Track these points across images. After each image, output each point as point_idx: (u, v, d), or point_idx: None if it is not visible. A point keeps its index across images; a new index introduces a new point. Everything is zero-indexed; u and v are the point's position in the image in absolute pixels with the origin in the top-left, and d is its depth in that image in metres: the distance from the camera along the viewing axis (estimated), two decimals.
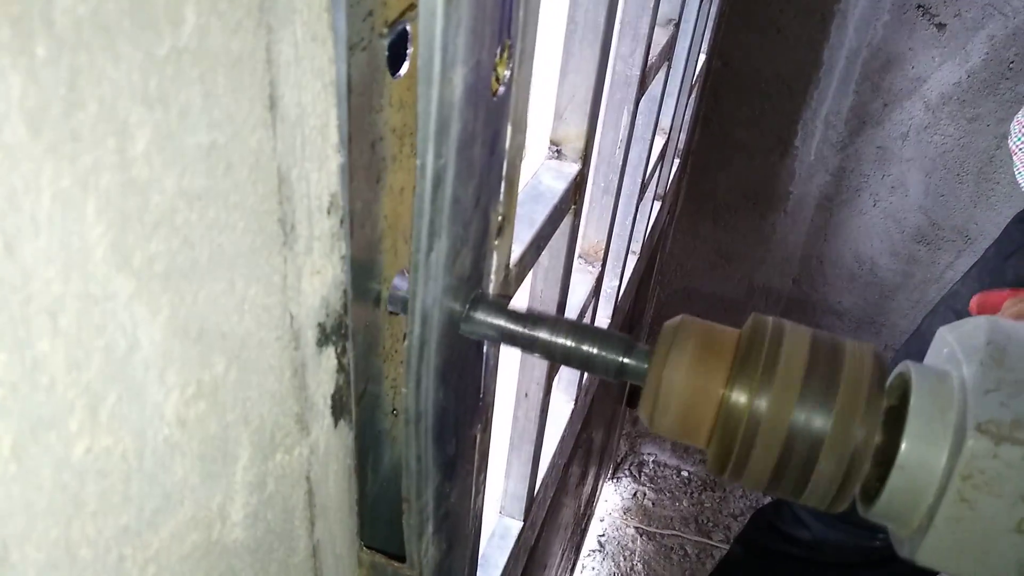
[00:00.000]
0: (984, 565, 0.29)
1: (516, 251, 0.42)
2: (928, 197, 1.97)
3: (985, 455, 0.28)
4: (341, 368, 0.32)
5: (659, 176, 1.26)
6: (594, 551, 2.29)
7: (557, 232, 0.54)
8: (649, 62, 0.71)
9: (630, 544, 2.34)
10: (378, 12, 0.26)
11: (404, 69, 0.30)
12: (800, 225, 2.14)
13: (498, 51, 0.29)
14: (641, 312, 1.89)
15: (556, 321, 0.33)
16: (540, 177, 0.51)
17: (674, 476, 2.57)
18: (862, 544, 1.20)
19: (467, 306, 0.33)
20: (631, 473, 2.55)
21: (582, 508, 1.68)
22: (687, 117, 1.51)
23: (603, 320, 1.03)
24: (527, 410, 0.65)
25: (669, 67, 0.94)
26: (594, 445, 1.45)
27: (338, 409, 0.33)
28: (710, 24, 1.47)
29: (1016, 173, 1.00)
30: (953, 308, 1.12)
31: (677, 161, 1.61)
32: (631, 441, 2.63)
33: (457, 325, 0.33)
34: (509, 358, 0.78)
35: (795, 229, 2.15)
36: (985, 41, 1.75)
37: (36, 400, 0.17)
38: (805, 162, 2.03)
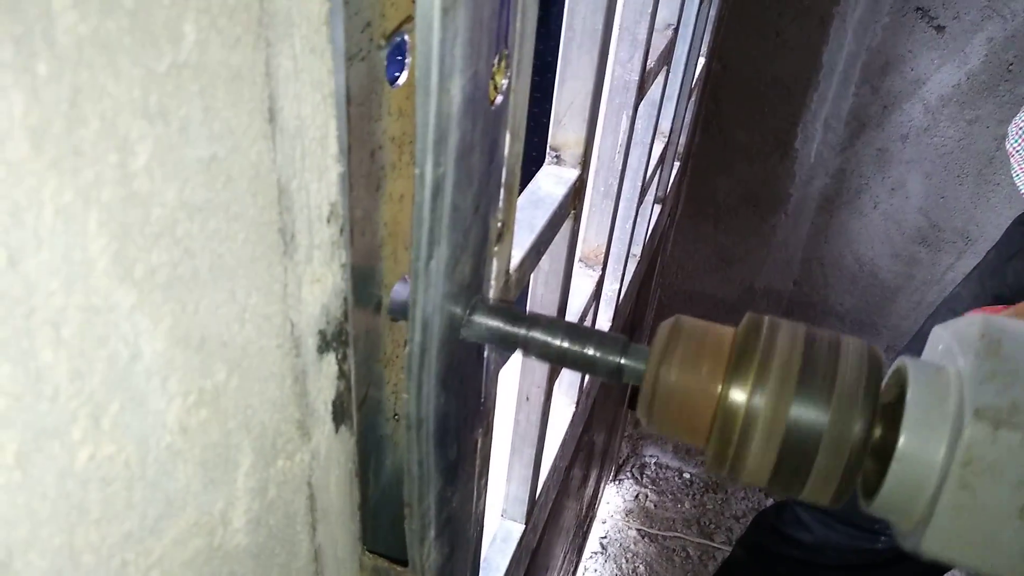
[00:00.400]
0: (989, 553, 0.29)
1: (516, 256, 0.42)
2: (928, 199, 1.97)
3: (984, 441, 0.28)
4: (342, 374, 0.32)
5: (659, 179, 1.26)
6: (596, 553, 2.30)
7: (557, 237, 0.54)
8: (648, 67, 0.72)
9: (632, 546, 2.34)
10: (376, 24, 0.27)
11: (403, 79, 0.30)
12: (800, 227, 2.14)
13: (495, 61, 0.29)
14: (642, 315, 1.89)
15: (552, 323, 0.34)
16: (539, 183, 0.51)
17: (676, 478, 2.57)
18: (864, 547, 1.20)
19: (467, 311, 0.34)
20: (633, 475, 2.55)
21: (584, 510, 1.68)
22: (687, 120, 1.51)
23: (604, 323, 1.04)
24: (528, 413, 0.65)
25: (668, 71, 0.94)
26: (596, 447, 1.46)
27: (339, 415, 0.33)
28: (709, 27, 1.47)
29: (1014, 176, 1.01)
30: (954, 310, 1.13)
31: (677, 164, 1.62)
32: (633, 443, 2.63)
33: (457, 331, 0.34)
34: (510, 362, 0.78)
35: (796, 231, 2.15)
36: (984, 43, 1.76)
37: (40, 410, 0.17)
38: (805, 164, 2.04)
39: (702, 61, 1.50)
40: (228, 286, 0.23)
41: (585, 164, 0.53)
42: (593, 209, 0.76)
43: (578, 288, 0.77)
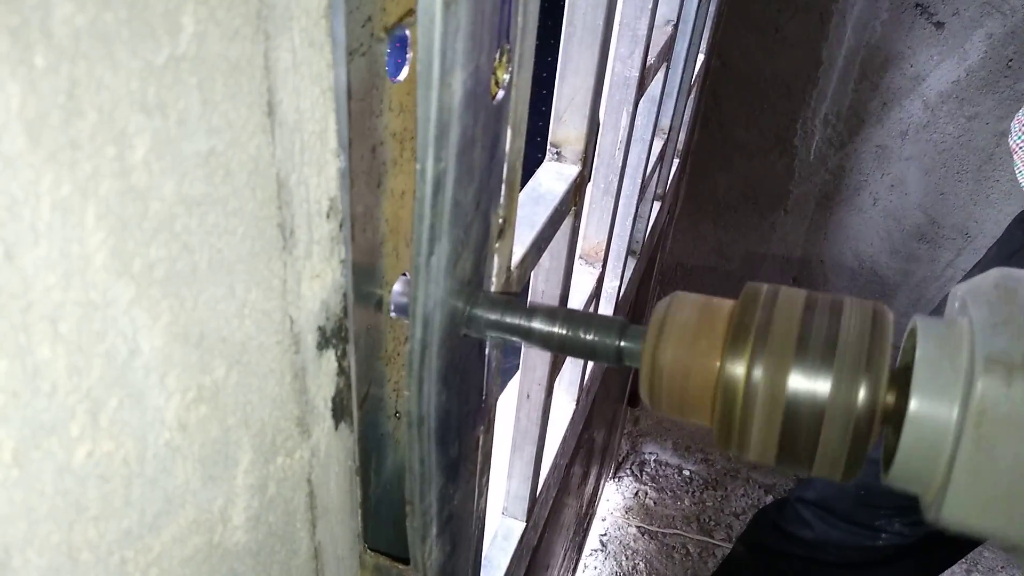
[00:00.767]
0: (1015, 515, 0.27)
1: (517, 253, 0.42)
2: (928, 195, 1.97)
3: (998, 390, 0.26)
4: (341, 371, 0.32)
5: (659, 176, 1.26)
6: (596, 550, 2.30)
7: (558, 234, 0.54)
8: (648, 63, 0.71)
9: (632, 543, 2.34)
10: (377, 18, 0.26)
11: (403, 73, 0.30)
12: (800, 224, 2.14)
13: (497, 55, 0.29)
14: (642, 312, 1.89)
15: (551, 310, 0.33)
16: (540, 179, 0.51)
17: (676, 475, 2.57)
18: (865, 544, 1.20)
19: (468, 307, 0.33)
20: (633, 472, 2.55)
21: (584, 508, 1.68)
22: (686, 117, 1.51)
23: None
24: (529, 411, 0.65)
25: (668, 68, 0.94)
26: (596, 445, 1.45)
27: (339, 411, 0.33)
28: (709, 24, 1.47)
29: (1016, 172, 1.00)
30: None
31: (677, 161, 1.61)
32: (632, 440, 2.63)
33: (459, 327, 0.33)
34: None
35: (795, 228, 2.15)
36: (984, 39, 1.75)
37: (37, 406, 0.17)
38: (805, 161, 2.04)
39: (701, 57, 1.50)
40: (227, 281, 0.23)
41: (586, 160, 0.52)
42: (593, 206, 0.76)
43: (578, 285, 0.77)
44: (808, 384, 0.29)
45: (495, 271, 0.36)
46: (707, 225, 2.21)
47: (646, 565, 2.27)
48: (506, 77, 0.30)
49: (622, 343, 0.33)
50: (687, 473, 2.57)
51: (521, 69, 0.32)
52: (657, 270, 2.06)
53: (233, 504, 0.26)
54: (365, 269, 0.30)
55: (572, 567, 1.82)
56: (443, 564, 0.40)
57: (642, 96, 0.72)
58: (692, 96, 1.49)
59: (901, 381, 0.29)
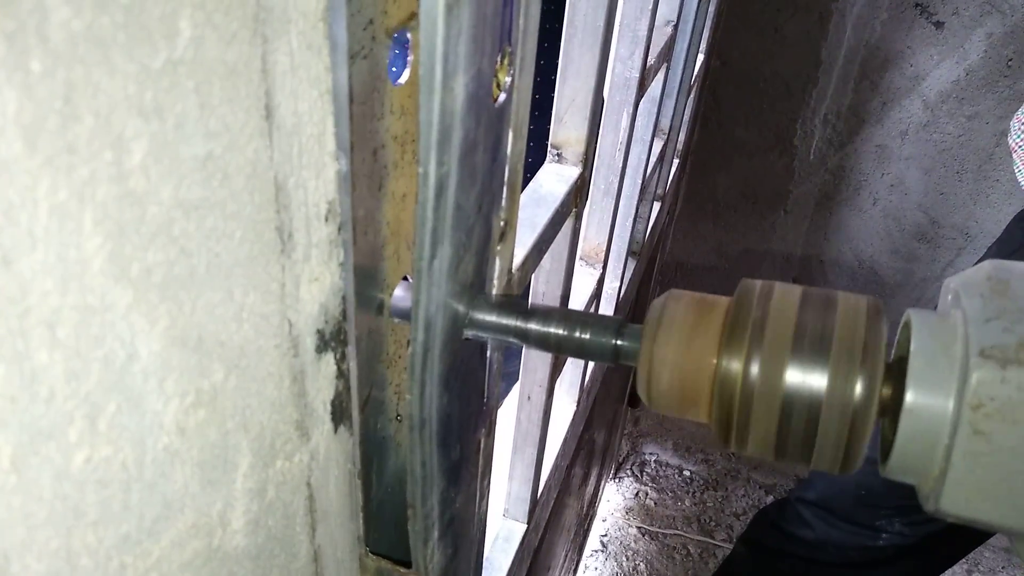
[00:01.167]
0: (1012, 503, 0.27)
1: (519, 255, 0.42)
2: (928, 195, 1.97)
3: (993, 381, 0.26)
4: (341, 374, 0.32)
5: (659, 177, 1.26)
6: (596, 551, 2.29)
7: (559, 235, 0.54)
8: (648, 64, 0.71)
9: (632, 544, 2.34)
10: (379, 21, 0.26)
11: (405, 76, 0.30)
12: (800, 224, 2.14)
13: (498, 58, 0.29)
14: (642, 313, 1.88)
15: (547, 311, 0.33)
16: (541, 181, 0.51)
17: (676, 475, 2.57)
18: (866, 544, 1.20)
19: (469, 310, 0.33)
20: (633, 473, 2.55)
21: (585, 508, 1.68)
22: (686, 117, 1.51)
23: None
24: (530, 412, 0.65)
25: (668, 68, 0.94)
26: (596, 446, 1.45)
27: (338, 414, 0.33)
28: (708, 24, 1.47)
29: (1016, 171, 1.00)
30: None
31: (676, 161, 1.61)
32: (633, 441, 2.63)
33: (460, 331, 0.33)
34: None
35: (795, 228, 2.15)
36: (983, 39, 1.75)
37: (35, 411, 0.17)
38: (804, 161, 2.03)
39: (701, 57, 1.50)
40: (225, 285, 0.23)
41: (587, 162, 0.52)
42: (594, 207, 0.76)
43: (579, 287, 0.76)
44: (805, 378, 0.29)
45: (496, 273, 0.36)
46: (707, 225, 2.21)
47: (647, 566, 2.27)
48: (508, 80, 0.30)
49: (619, 342, 0.33)
50: (688, 473, 2.57)
51: (523, 71, 0.32)
52: (657, 270, 2.05)
53: (232, 508, 0.26)
54: (367, 272, 0.30)
55: (573, 568, 1.82)
56: (445, 567, 0.40)
57: (642, 97, 0.72)
58: (692, 96, 1.49)
59: (896, 373, 0.29)
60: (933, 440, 0.28)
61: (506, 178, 0.33)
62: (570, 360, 0.82)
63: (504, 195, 0.33)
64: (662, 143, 1.10)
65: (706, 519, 2.45)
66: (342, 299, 0.30)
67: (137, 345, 0.20)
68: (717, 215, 2.19)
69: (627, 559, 2.31)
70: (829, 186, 2.06)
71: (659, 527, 2.40)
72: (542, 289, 0.58)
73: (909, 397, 0.28)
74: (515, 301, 0.35)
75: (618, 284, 1.02)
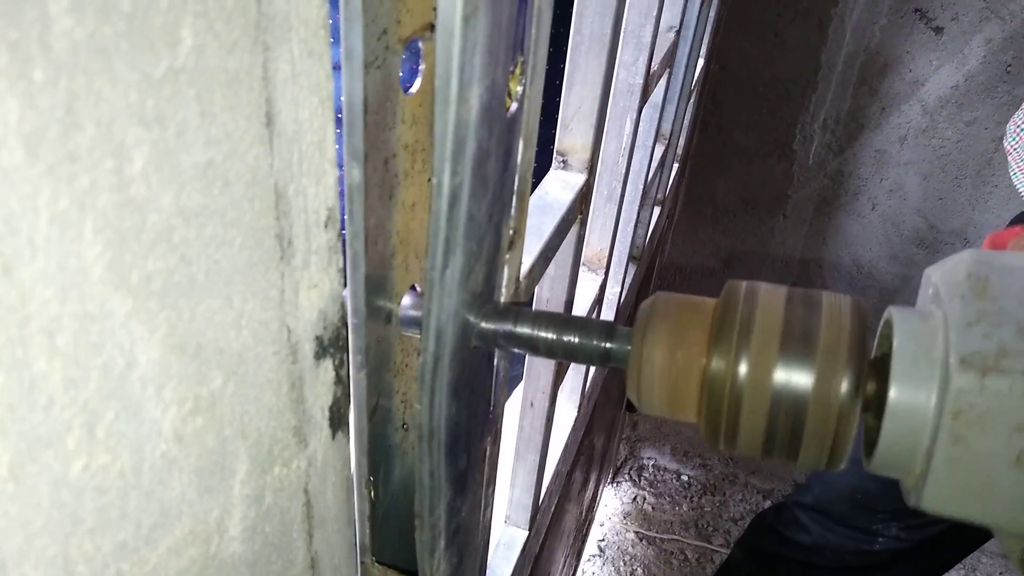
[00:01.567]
0: (989, 504, 0.28)
1: (526, 263, 0.42)
2: (926, 200, 1.97)
3: (972, 390, 0.27)
4: (339, 380, 0.32)
5: (659, 181, 1.26)
6: (594, 556, 2.29)
7: (564, 242, 0.54)
8: (652, 70, 0.71)
9: (630, 549, 2.34)
10: (392, 31, 0.26)
11: (416, 85, 0.30)
12: (799, 229, 2.14)
13: (511, 67, 0.29)
14: None
15: (536, 315, 0.33)
16: (547, 188, 0.51)
17: (674, 480, 2.57)
18: (862, 548, 1.20)
19: (478, 319, 0.33)
20: (631, 477, 2.55)
21: (584, 514, 1.68)
22: (686, 122, 1.51)
23: None
24: (532, 419, 0.65)
25: (670, 73, 0.94)
26: (595, 451, 1.45)
27: (336, 420, 0.33)
28: (708, 28, 1.47)
29: (1012, 175, 1.01)
30: None
31: (676, 165, 1.62)
32: (631, 445, 2.63)
33: (469, 339, 0.33)
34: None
35: (794, 233, 2.15)
36: (982, 44, 1.76)
37: (34, 419, 0.17)
38: (803, 165, 2.04)
39: (701, 62, 1.50)
40: (224, 292, 0.23)
41: (592, 169, 0.52)
42: (597, 213, 0.76)
43: (582, 292, 0.77)
44: (791, 376, 0.30)
45: (505, 282, 0.36)
46: (706, 229, 2.21)
47: (644, 571, 2.27)
48: (520, 89, 0.30)
49: (608, 345, 0.33)
50: (685, 478, 2.57)
51: (534, 80, 0.32)
52: (656, 274, 2.06)
53: (230, 515, 0.26)
54: (376, 282, 0.30)
55: (571, 573, 1.82)
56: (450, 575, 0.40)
57: (646, 103, 0.72)
58: (692, 101, 1.49)
59: (880, 370, 0.30)
60: (915, 441, 0.29)
61: (516, 187, 0.33)
62: (572, 365, 0.82)
63: (514, 204, 0.33)
64: (663, 148, 1.10)
65: (704, 524, 2.45)
66: (341, 305, 0.30)
67: (136, 353, 0.20)
68: (716, 219, 2.19)
69: (624, 564, 2.31)
70: (828, 191, 2.06)
71: (656, 532, 2.40)
72: (547, 296, 0.58)
73: (892, 398, 0.29)
74: (506, 307, 0.35)
75: (619, 289, 1.02)
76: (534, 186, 0.52)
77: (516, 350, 0.35)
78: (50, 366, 0.17)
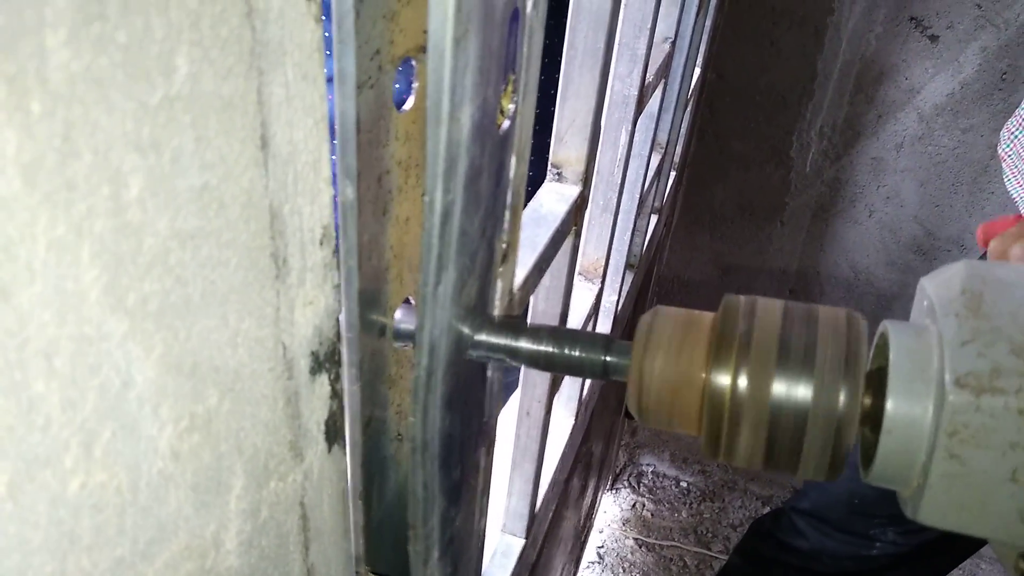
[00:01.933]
0: (985, 518, 0.29)
1: (520, 275, 0.42)
2: (923, 207, 1.98)
3: (967, 409, 0.28)
4: (335, 394, 0.32)
5: (656, 190, 1.27)
6: (593, 563, 2.29)
7: (559, 254, 0.55)
8: (647, 81, 0.72)
9: (629, 555, 2.34)
10: (385, 51, 0.27)
11: (409, 103, 0.30)
12: (796, 236, 2.14)
13: (503, 86, 0.29)
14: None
15: (535, 329, 0.34)
16: (541, 200, 0.51)
17: (673, 487, 2.57)
18: (860, 553, 1.20)
19: (472, 332, 0.34)
20: (630, 484, 2.54)
21: (582, 521, 1.68)
22: (683, 130, 1.52)
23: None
24: (529, 428, 0.66)
25: (666, 84, 0.95)
26: (594, 458, 1.45)
27: (332, 434, 0.33)
28: (705, 38, 1.48)
29: (1005, 180, 1.01)
30: None
31: (673, 174, 1.62)
32: (630, 452, 2.63)
33: (463, 352, 0.34)
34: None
35: (791, 240, 2.15)
36: (978, 52, 1.77)
37: (32, 440, 0.18)
38: (800, 173, 2.04)
39: (698, 71, 1.51)
40: (220, 312, 0.23)
41: (587, 181, 0.53)
42: (592, 223, 0.76)
43: (578, 302, 0.77)
44: (791, 390, 0.30)
45: (499, 295, 0.37)
46: (704, 237, 2.22)
47: None
48: (511, 107, 0.30)
49: (608, 358, 0.34)
50: (684, 485, 2.57)
51: (526, 97, 0.32)
52: (654, 282, 2.06)
53: (226, 529, 0.26)
54: (370, 296, 0.31)
55: None
56: None
57: (641, 113, 0.73)
58: (688, 109, 1.50)
59: (876, 384, 0.31)
60: (911, 456, 0.29)
61: (509, 201, 0.34)
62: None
63: (507, 218, 0.34)
64: (659, 157, 1.11)
65: (703, 530, 2.44)
66: (336, 321, 0.31)
67: (132, 373, 0.20)
68: (714, 227, 2.20)
69: (624, 571, 2.30)
70: (825, 198, 2.06)
71: (656, 538, 2.40)
72: (542, 307, 0.58)
73: (888, 415, 0.29)
74: (506, 320, 0.35)
75: (616, 298, 1.03)
76: (530, 196, 0.52)
77: (515, 364, 0.35)
78: (48, 387, 0.18)
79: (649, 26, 0.64)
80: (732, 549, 1.48)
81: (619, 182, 0.71)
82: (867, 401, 0.30)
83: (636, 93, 0.66)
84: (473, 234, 0.28)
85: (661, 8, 0.83)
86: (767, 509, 2.46)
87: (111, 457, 0.20)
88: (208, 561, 0.26)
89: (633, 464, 2.60)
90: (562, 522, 1.10)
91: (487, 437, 0.40)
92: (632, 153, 0.87)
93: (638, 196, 0.93)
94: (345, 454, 0.35)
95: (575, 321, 0.73)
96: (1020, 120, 1.05)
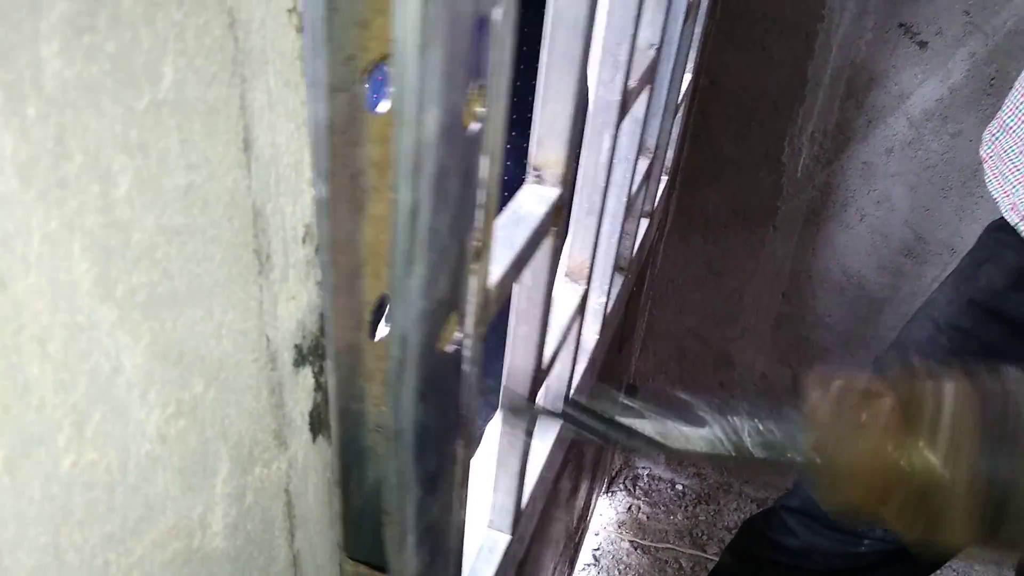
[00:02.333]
0: None
1: (495, 274, 0.43)
2: (914, 211, 2.00)
3: None
4: (319, 386, 0.34)
5: (646, 194, 1.28)
6: (589, 565, 2.30)
7: (539, 254, 0.56)
8: (629, 87, 0.74)
9: (625, 558, 2.35)
10: (358, 57, 0.28)
11: (385, 106, 0.32)
12: (788, 240, 2.16)
13: (472, 91, 0.31)
14: (632, 327, 1.91)
15: (712, 418, 0.33)
16: (521, 201, 0.53)
17: (668, 489, 2.58)
18: (849, 550, 1.21)
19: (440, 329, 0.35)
20: (626, 487, 2.56)
21: (575, 522, 1.69)
22: (674, 136, 1.53)
23: (591, 336, 1.05)
24: (513, 425, 0.67)
25: (652, 89, 0.96)
26: (585, 459, 1.47)
27: (316, 425, 0.35)
28: (695, 44, 1.49)
29: (987, 181, 1.03)
30: (930, 316, 1.15)
31: (665, 178, 1.64)
32: (626, 455, 2.64)
33: (434, 346, 0.35)
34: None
35: (784, 244, 2.17)
36: (966, 58, 1.78)
37: (27, 419, 0.19)
38: (792, 178, 2.06)
39: (688, 77, 1.52)
40: (205, 304, 0.25)
41: (566, 183, 0.54)
42: (578, 225, 0.78)
43: (563, 302, 0.78)
44: (996, 464, 0.30)
45: (473, 291, 0.38)
46: (697, 240, 2.24)
47: None
48: (481, 111, 0.32)
49: (777, 435, 0.33)
50: (680, 487, 2.58)
51: (496, 101, 0.33)
52: (648, 285, 2.08)
53: (212, 512, 0.28)
54: (345, 291, 0.32)
55: None
56: (422, 572, 0.42)
57: (624, 118, 0.74)
58: (679, 115, 1.52)
59: None
60: None
61: (480, 201, 0.35)
62: (555, 372, 0.84)
63: (479, 217, 0.35)
64: (648, 162, 1.12)
65: (698, 533, 2.46)
66: (320, 316, 0.32)
67: (122, 359, 0.22)
68: (707, 231, 2.21)
69: (619, 573, 2.32)
70: (817, 202, 2.08)
71: (651, 541, 2.41)
72: (524, 305, 0.59)
73: None
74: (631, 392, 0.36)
75: (605, 299, 1.04)
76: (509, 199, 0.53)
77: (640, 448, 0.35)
78: (42, 371, 0.19)
79: (631, 33, 0.66)
80: (724, 548, 1.50)
81: (603, 185, 0.73)
82: None
83: (619, 98, 0.68)
84: (443, 232, 0.29)
85: (646, 15, 0.84)
86: (759, 508, 2.47)
87: (101, 438, 0.22)
88: (195, 541, 0.27)
89: (629, 467, 2.61)
90: (552, 522, 1.12)
91: (464, 430, 0.42)
92: (618, 157, 0.89)
93: (625, 200, 0.94)
94: (330, 445, 0.36)
95: (560, 322, 0.74)
96: (1001, 122, 1.06)
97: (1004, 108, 1.08)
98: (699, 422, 0.34)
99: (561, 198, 0.53)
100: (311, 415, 0.34)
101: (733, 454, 0.33)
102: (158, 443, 0.24)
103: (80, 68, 0.18)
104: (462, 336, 0.37)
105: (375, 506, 0.39)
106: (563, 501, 1.21)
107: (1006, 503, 0.30)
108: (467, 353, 0.39)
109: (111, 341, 0.21)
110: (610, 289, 1.07)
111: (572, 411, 0.36)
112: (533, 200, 0.53)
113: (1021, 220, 0.99)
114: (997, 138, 1.04)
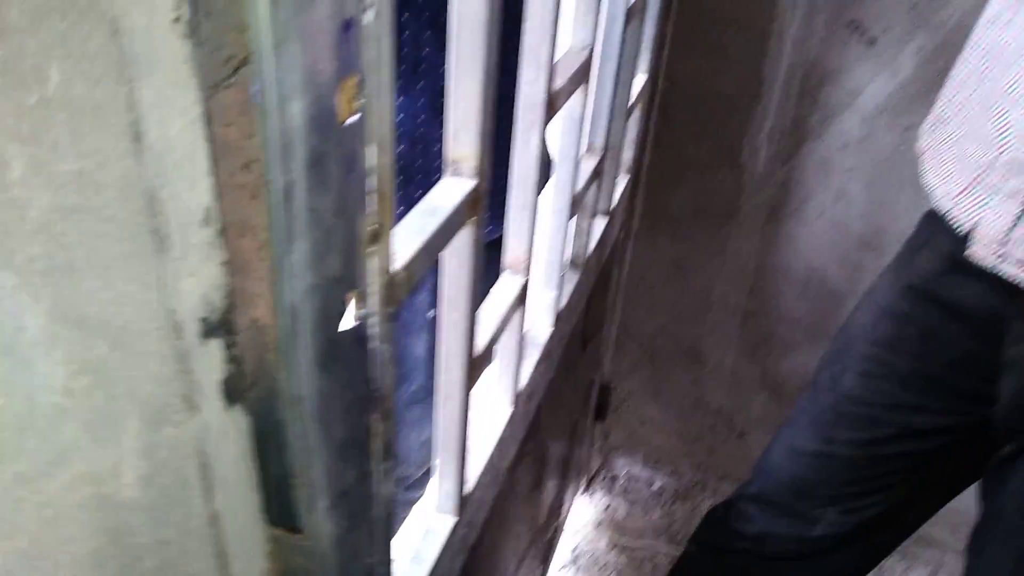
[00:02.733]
0: None
1: (402, 257, 0.47)
2: (871, 205, 2.05)
3: None
4: (232, 359, 0.38)
5: (599, 193, 1.32)
6: (567, 565, 2.33)
7: (460, 243, 0.60)
8: (556, 87, 0.78)
9: (603, 557, 2.38)
10: (237, 56, 0.32)
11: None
12: (752, 237, 2.21)
13: (344, 83, 0.34)
14: (599, 325, 1.95)
15: None
16: (436, 193, 0.56)
17: (646, 488, 2.62)
18: (803, 535, 1.25)
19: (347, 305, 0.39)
20: (604, 486, 2.59)
21: (544, 518, 1.72)
22: (630, 135, 1.58)
23: (543, 329, 1.09)
24: (449, 411, 0.71)
25: (590, 90, 1.00)
26: (549, 454, 1.50)
27: (232, 395, 0.38)
28: (647, 45, 1.54)
29: (923, 173, 1.08)
30: (874, 301, 1.19)
31: (628, 177, 1.68)
32: (604, 455, 2.68)
33: (335, 320, 0.39)
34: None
35: (748, 241, 2.22)
36: (915, 53, 1.84)
37: None
38: (753, 176, 2.11)
39: (642, 78, 1.57)
40: (104, 275, 0.28)
41: (482, 174, 0.58)
42: (513, 220, 0.82)
43: (501, 292, 0.82)
44: None
45: (374, 272, 0.42)
46: (664, 239, 2.28)
47: None
48: (360, 102, 0.36)
49: None
50: (657, 486, 2.62)
51: (380, 94, 0.37)
52: (616, 284, 2.12)
53: (123, 463, 0.31)
54: (244, 270, 0.36)
55: None
56: (340, 537, 0.45)
57: (552, 117, 0.78)
58: (636, 116, 1.56)
59: None
60: None
61: (372, 187, 0.39)
62: (500, 362, 0.87)
63: (372, 201, 0.39)
64: (595, 161, 1.17)
65: (675, 530, 2.49)
66: (227, 292, 0.36)
67: (25, 319, 0.25)
68: (673, 231, 2.26)
69: (598, 571, 2.35)
70: (778, 199, 2.13)
71: (629, 539, 2.45)
72: (452, 294, 0.63)
73: None
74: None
75: (556, 294, 1.08)
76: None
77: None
78: None
79: (550, 36, 0.70)
80: (688, 538, 1.54)
81: (534, 181, 0.77)
82: None
83: (543, 97, 0.72)
84: (324, 212, 0.33)
85: (578, 17, 0.89)
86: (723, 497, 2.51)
87: (8, 386, 0.25)
88: (106, 488, 0.31)
89: (607, 467, 2.65)
90: (510, 512, 1.15)
91: (380, 405, 0.45)
92: (561, 155, 0.93)
93: (569, 198, 0.98)
94: (246, 415, 0.40)
95: (498, 311, 0.78)
96: (936, 116, 1.12)
97: (938, 103, 1.13)
98: None
99: (476, 189, 0.57)
100: (225, 384, 0.37)
101: None
102: (65, 396, 0.28)
103: None
104: (365, 313, 0.40)
105: (289, 472, 0.43)
106: (523, 493, 1.25)
107: None
108: (373, 331, 0.43)
109: (13, 302, 0.25)
110: (562, 284, 1.11)
111: None
112: (448, 191, 0.56)
113: (953, 206, 1.04)
114: (935, 129, 1.09)
